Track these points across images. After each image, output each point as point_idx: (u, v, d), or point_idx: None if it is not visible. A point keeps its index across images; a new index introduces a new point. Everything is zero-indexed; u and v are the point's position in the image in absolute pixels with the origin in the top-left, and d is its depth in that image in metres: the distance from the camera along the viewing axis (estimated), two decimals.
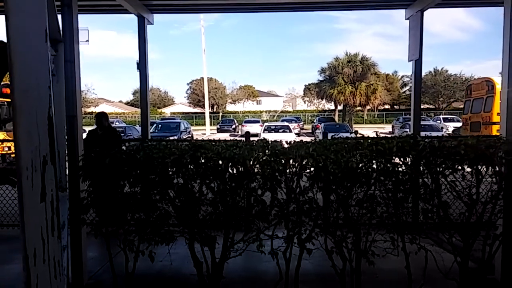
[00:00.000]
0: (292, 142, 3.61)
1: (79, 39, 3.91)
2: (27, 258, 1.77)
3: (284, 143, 3.62)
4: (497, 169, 3.34)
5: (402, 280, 3.57)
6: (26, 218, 1.77)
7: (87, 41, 9.65)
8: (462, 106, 18.11)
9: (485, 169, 3.33)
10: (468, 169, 3.32)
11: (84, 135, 5.96)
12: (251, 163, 3.25)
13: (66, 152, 3.76)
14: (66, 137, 3.79)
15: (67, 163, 3.78)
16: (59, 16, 3.69)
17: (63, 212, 3.14)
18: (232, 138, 4.31)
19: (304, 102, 62.55)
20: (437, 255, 3.44)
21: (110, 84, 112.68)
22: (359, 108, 47.54)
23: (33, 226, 1.78)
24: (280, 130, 26.34)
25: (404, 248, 3.39)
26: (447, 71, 55.50)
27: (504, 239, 3.64)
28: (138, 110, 14.66)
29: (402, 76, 61.08)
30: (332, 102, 46.13)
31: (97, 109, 49.81)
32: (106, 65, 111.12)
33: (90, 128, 7.85)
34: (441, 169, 3.29)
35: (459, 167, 3.28)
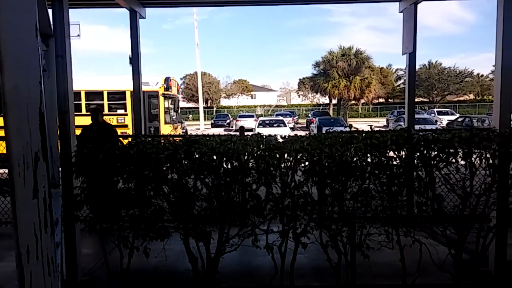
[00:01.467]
0: (286, 137, 3.60)
1: (70, 34, 3.87)
2: (20, 256, 1.76)
3: (278, 137, 3.61)
4: (491, 161, 3.36)
5: (397, 273, 3.59)
6: (19, 215, 1.75)
7: (79, 35, 9.56)
8: (456, 99, 18.05)
9: (478, 161, 3.35)
10: (462, 162, 3.34)
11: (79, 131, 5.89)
12: (245, 158, 3.24)
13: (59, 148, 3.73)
14: (58, 133, 3.76)
15: (59, 159, 3.74)
16: (50, 11, 3.64)
17: (56, 209, 3.11)
18: (226, 133, 4.30)
19: (299, 96, 62.42)
20: (432, 248, 3.46)
21: None
22: (353, 101, 47.53)
23: (26, 223, 1.76)
24: (275, 125, 26.34)
25: (399, 241, 3.41)
26: (441, 64, 55.62)
27: (498, 231, 3.67)
28: None
29: (396, 70, 61.15)
30: (327, 96, 46.12)
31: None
32: (98, 60, 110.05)
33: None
34: (435, 162, 3.30)
35: (453, 160, 3.29)
